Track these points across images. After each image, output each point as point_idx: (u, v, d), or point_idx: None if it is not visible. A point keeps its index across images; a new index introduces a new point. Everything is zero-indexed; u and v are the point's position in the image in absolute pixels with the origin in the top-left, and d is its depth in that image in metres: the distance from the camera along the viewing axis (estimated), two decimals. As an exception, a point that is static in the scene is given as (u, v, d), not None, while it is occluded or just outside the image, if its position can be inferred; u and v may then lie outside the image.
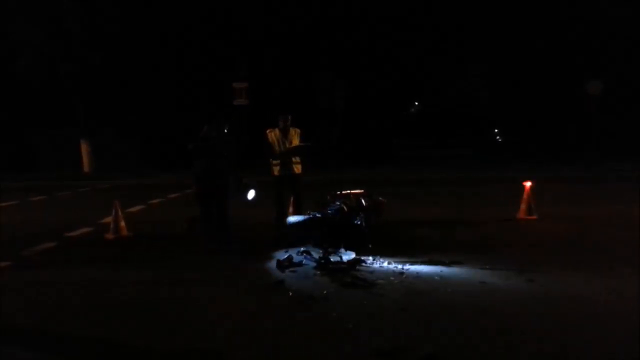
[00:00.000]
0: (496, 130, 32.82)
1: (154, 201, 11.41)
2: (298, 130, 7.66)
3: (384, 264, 5.53)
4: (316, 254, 5.78)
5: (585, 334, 3.64)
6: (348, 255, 5.79)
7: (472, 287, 4.69)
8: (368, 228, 6.43)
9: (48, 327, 4.09)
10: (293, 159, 7.53)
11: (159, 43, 22.40)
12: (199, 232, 6.60)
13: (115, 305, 4.52)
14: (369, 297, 4.50)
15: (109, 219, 7.70)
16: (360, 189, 7.12)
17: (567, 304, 4.26)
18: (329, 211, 6.49)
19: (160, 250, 6.63)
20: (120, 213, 7.47)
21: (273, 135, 7.57)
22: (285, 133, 7.55)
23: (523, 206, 8.22)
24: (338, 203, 6.63)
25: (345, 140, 25.53)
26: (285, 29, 24.83)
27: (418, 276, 5.08)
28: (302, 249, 5.98)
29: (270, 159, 7.60)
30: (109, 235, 7.38)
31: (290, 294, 4.67)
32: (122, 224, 7.47)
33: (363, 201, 6.74)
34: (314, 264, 5.54)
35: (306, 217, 6.54)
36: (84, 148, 21.16)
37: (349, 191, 7.05)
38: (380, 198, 7.02)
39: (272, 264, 5.66)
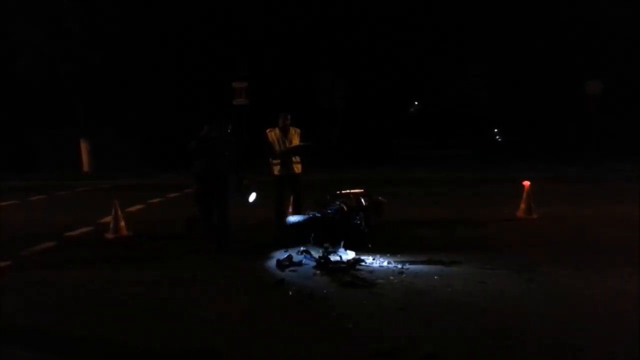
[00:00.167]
0: (496, 130, 32.82)
1: (154, 201, 11.41)
2: (298, 130, 7.65)
3: (384, 264, 5.53)
4: (316, 253, 5.78)
5: (586, 334, 3.64)
6: (348, 255, 5.79)
7: (472, 287, 4.69)
8: (368, 228, 6.43)
9: (48, 327, 4.09)
10: (293, 159, 7.53)
11: (159, 43, 22.40)
12: (198, 232, 6.60)
13: (115, 305, 4.52)
14: (369, 297, 4.50)
15: (108, 219, 7.70)
16: (360, 189, 7.12)
17: (567, 303, 4.26)
18: (329, 211, 6.49)
19: (160, 250, 6.63)
20: (120, 213, 7.47)
21: (273, 134, 7.57)
22: (285, 132, 7.55)
23: (523, 205, 8.22)
24: (338, 203, 6.64)
25: (345, 140, 25.53)
26: (285, 29, 24.84)
27: (418, 276, 5.08)
28: (302, 248, 5.98)
29: (270, 159, 7.60)
30: (109, 235, 7.38)
31: (290, 293, 4.67)
32: (122, 223, 7.47)
33: (363, 201, 6.75)
34: (313, 264, 5.54)
35: (306, 216, 6.55)
36: (84, 148, 21.16)
37: (348, 191, 7.05)
38: (380, 198, 7.02)
39: (272, 263, 5.67)
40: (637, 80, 22.22)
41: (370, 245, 6.17)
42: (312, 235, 6.20)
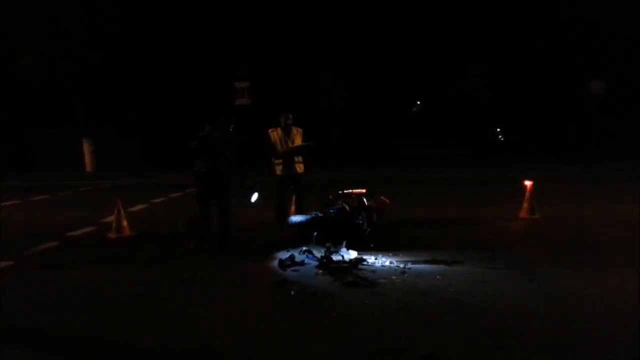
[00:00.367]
0: (498, 130, 32.80)
1: (156, 200, 11.41)
2: (300, 130, 7.66)
3: (386, 263, 5.52)
4: (318, 253, 5.78)
5: (586, 334, 3.64)
6: (350, 255, 5.79)
7: (473, 287, 4.69)
8: (370, 227, 6.43)
9: (48, 327, 4.09)
10: (295, 159, 7.55)
11: (159, 43, 22.39)
12: (199, 232, 6.58)
13: (116, 305, 4.52)
14: (371, 297, 4.50)
15: (111, 219, 7.70)
16: (362, 189, 7.13)
17: (568, 303, 4.26)
18: (331, 211, 6.49)
19: (162, 250, 6.62)
20: (122, 212, 7.47)
21: (275, 134, 7.57)
22: (287, 132, 7.56)
23: (525, 205, 8.21)
24: (340, 202, 6.64)
25: (345, 140, 25.53)
26: (285, 29, 24.83)
27: (420, 276, 5.08)
28: (304, 248, 5.98)
29: (273, 159, 7.61)
30: (112, 235, 7.38)
31: (292, 293, 4.67)
32: (125, 223, 7.47)
33: (365, 201, 6.75)
34: (316, 263, 5.54)
35: (308, 216, 6.55)
36: (86, 148, 21.15)
37: (351, 191, 7.05)
38: (382, 197, 7.02)
39: (274, 263, 5.66)
40: (637, 80, 22.21)
41: (372, 245, 6.17)
42: (315, 234, 6.20)
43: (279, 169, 7.58)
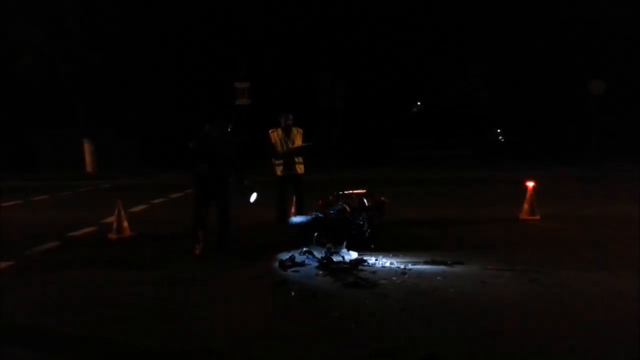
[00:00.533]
0: (499, 130, 32.79)
1: (157, 201, 11.41)
2: (301, 130, 7.66)
3: (386, 264, 5.52)
4: (319, 253, 5.78)
5: (586, 334, 3.64)
6: (350, 255, 5.79)
7: (474, 288, 4.68)
8: (370, 228, 6.43)
9: (48, 327, 4.09)
10: (296, 159, 7.55)
11: (159, 43, 22.38)
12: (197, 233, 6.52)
13: (116, 305, 4.51)
14: (371, 297, 4.49)
15: (111, 219, 7.70)
16: (363, 189, 7.12)
17: (569, 304, 4.25)
18: (332, 211, 6.49)
19: (162, 250, 6.62)
20: (122, 213, 7.46)
21: (276, 135, 7.57)
22: (287, 132, 7.56)
23: (526, 206, 8.20)
24: (340, 203, 6.64)
25: (345, 140, 25.53)
26: (285, 29, 24.82)
27: (420, 276, 5.07)
28: (304, 248, 5.98)
29: (273, 159, 7.61)
30: (112, 235, 7.38)
31: (293, 293, 4.66)
32: (125, 224, 7.46)
33: (365, 201, 6.75)
34: (316, 264, 5.53)
35: (309, 217, 6.55)
36: (87, 148, 21.15)
37: (351, 191, 7.05)
38: (382, 198, 7.02)
39: (275, 263, 5.65)
40: (637, 80, 22.21)
41: (372, 246, 6.17)
42: (315, 235, 6.20)
43: (279, 170, 7.59)
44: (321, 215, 6.43)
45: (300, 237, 6.32)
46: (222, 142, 6.31)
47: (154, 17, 21.41)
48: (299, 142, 7.60)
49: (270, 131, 7.64)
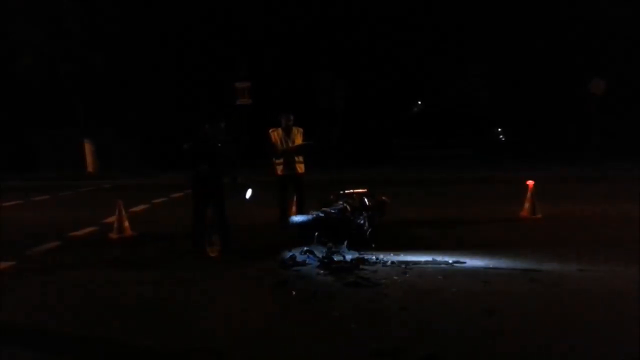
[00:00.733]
0: (499, 130, 32.77)
1: (157, 201, 11.40)
2: (301, 130, 7.66)
3: (388, 264, 5.51)
4: (319, 253, 5.78)
5: (587, 334, 3.63)
6: (351, 255, 5.79)
7: (475, 287, 4.68)
8: (371, 227, 6.42)
9: (48, 327, 4.08)
10: (296, 159, 7.55)
11: (159, 43, 22.38)
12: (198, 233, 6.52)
13: (116, 305, 4.51)
14: (372, 297, 4.49)
15: (112, 219, 7.69)
16: (363, 189, 7.12)
17: (569, 304, 4.25)
18: (332, 211, 6.49)
19: (163, 250, 6.62)
20: (123, 213, 7.46)
21: (276, 134, 7.58)
22: (288, 132, 7.56)
23: (527, 205, 8.19)
24: (341, 203, 6.64)
25: (345, 140, 25.53)
26: (285, 29, 24.82)
27: (421, 276, 5.07)
28: (305, 248, 5.98)
29: (274, 159, 7.61)
30: (113, 235, 7.38)
31: (294, 293, 4.66)
32: (126, 223, 7.46)
33: (366, 200, 6.75)
34: (317, 264, 5.54)
35: (309, 216, 6.54)
36: (88, 148, 21.14)
37: (352, 191, 7.05)
38: (383, 197, 7.02)
39: (275, 263, 5.65)
40: (637, 80, 22.21)
41: (373, 245, 6.17)
42: (316, 235, 6.20)
43: (279, 169, 7.59)
44: (322, 215, 6.43)
45: (301, 236, 6.32)
46: (221, 142, 6.31)
47: (154, 17, 21.41)
48: (299, 141, 7.60)
49: (270, 131, 7.64)
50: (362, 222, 6.35)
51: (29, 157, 23.53)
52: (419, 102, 32.32)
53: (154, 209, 10.53)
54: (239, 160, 6.57)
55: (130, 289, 4.96)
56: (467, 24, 26.48)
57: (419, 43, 26.57)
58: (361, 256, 5.74)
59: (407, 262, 5.53)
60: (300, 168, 7.62)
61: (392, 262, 5.55)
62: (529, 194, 8.20)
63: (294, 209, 7.84)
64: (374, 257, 5.73)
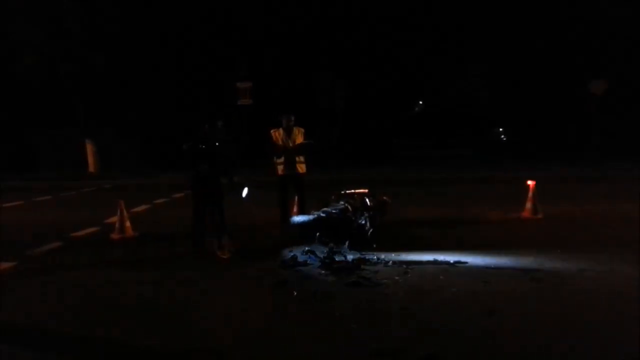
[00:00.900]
0: (500, 130, 32.76)
1: (159, 201, 11.40)
2: (302, 130, 7.67)
3: (389, 264, 5.51)
4: (320, 253, 5.78)
5: (587, 334, 3.64)
6: (352, 255, 5.79)
7: (476, 287, 4.68)
8: (372, 227, 6.42)
9: (48, 327, 4.09)
10: (297, 159, 7.55)
11: (159, 43, 22.38)
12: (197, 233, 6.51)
13: (116, 305, 4.51)
14: (373, 297, 4.49)
15: (114, 219, 7.69)
16: (364, 189, 7.12)
17: (569, 304, 4.25)
18: (333, 211, 6.48)
19: (163, 250, 6.61)
20: (125, 213, 7.45)
21: (277, 134, 7.59)
22: (289, 132, 7.57)
23: (528, 205, 8.18)
24: (342, 203, 6.63)
25: (345, 140, 25.55)
26: (285, 29, 24.82)
27: (422, 276, 5.07)
28: (306, 248, 5.99)
29: (275, 158, 7.62)
30: (115, 235, 7.37)
31: (295, 293, 4.66)
32: (128, 224, 7.45)
33: (367, 201, 6.74)
34: (318, 264, 5.54)
35: (311, 216, 6.54)
36: (89, 148, 21.13)
37: (353, 191, 7.05)
38: (384, 197, 7.02)
39: (277, 263, 5.65)
40: (637, 80, 22.21)
41: (374, 245, 6.16)
42: (317, 235, 6.20)
43: (280, 169, 7.59)
44: (323, 215, 6.43)
45: (302, 236, 6.31)
46: (220, 142, 6.31)
47: (154, 17, 21.40)
48: (300, 141, 7.61)
49: (271, 131, 7.65)
50: (363, 222, 6.35)
51: (29, 157, 23.53)
52: (420, 102, 32.33)
53: (155, 209, 10.53)
54: (238, 160, 6.55)
55: (130, 289, 4.96)
56: (467, 24, 26.49)
57: (419, 43, 26.58)
58: (362, 256, 5.74)
59: (408, 262, 5.53)
60: (301, 168, 7.62)
61: (393, 262, 5.55)
62: (530, 194, 8.20)
63: (295, 209, 7.84)
64: (375, 257, 5.73)
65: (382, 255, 5.81)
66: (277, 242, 6.64)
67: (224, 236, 6.13)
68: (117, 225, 7.43)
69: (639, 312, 3.96)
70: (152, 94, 22.32)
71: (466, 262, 5.50)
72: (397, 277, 5.03)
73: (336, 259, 5.59)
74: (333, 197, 7.00)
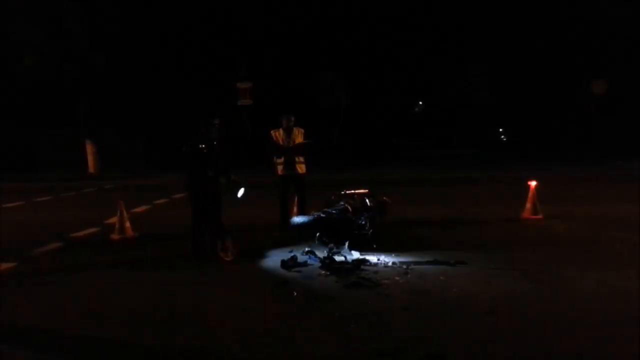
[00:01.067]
0: (501, 130, 32.79)
1: (159, 201, 11.40)
2: (302, 130, 7.66)
3: (389, 264, 5.51)
4: (321, 253, 5.78)
5: (588, 333, 3.64)
6: (352, 255, 5.79)
7: (477, 287, 4.68)
8: (372, 228, 6.42)
9: (49, 327, 4.09)
10: (297, 159, 7.54)
11: (159, 43, 22.39)
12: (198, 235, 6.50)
13: (116, 305, 4.51)
14: (373, 297, 4.49)
15: (114, 220, 7.68)
16: (364, 189, 7.12)
17: (570, 304, 4.25)
18: (333, 211, 6.48)
19: (164, 250, 6.61)
20: (125, 214, 7.44)
21: (277, 134, 7.59)
22: (289, 133, 7.56)
23: (528, 205, 8.18)
24: (342, 203, 6.63)
25: (346, 140, 25.57)
26: (285, 29, 24.85)
27: (422, 276, 5.07)
28: (306, 249, 5.98)
29: (275, 158, 7.62)
30: (115, 236, 7.37)
31: (295, 294, 4.66)
32: (128, 224, 7.45)
33: (367, 201, 6.74)
34: (318, 264, 5.53)
35: (311, 217, 6.54)
36: (90, 149, 21.14)
37: (353, 191, 7.04)
38: (384, 198, 7.01)
39: (277, 264, 5.65)
40: (637, 80, 22.22)
41: (374, 246, 6.16)
42: (317, 235, 6.19)
43: (280, 169, 7.59)
44: (323, 215, 6.42)
45: (302, 237, 6.31)
46: (220, 143, 6.29)
47: (154, 17, 21.42)
48: (300, 141, 7.61)
49: (272, 131, 7.65)
50: (363, 222, 6.35)
51: (29, 157, 23.54)
52: (420, 102, 32.35)
53: (155, 209, 10.53)
54: (233, 160, 6.52)
55: (130, 289, 4.95)
56: (467, 24, 26.52)
57: (419, 43, 26.61)
58: (362, 257, 5.73)
59: (408, 263, 5.53)
60: (301, 168, 7.62)
61: (394, 263, 5.55)
62: (530, 195, 8.19)
63: (295, 209, 7.83)
64: (375, 258, 5.73)
65: (382, 256, 5.81)
66: (277, 242, 6.63)
67: (227, 237, 6.12)
68: (117, 225, 7.42)
69: (639, 312, 3.96)
70: (153, 94, 22.33)
71: (466, 263, 5.49)
72: (397, 278, 5.02)
73: (336, 260, 5.59)
74: (333, 197, 6.99)
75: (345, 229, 6.21)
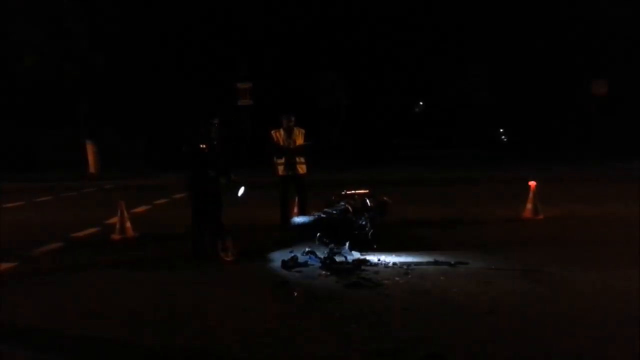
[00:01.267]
0: (501, 130, 32.79)
1: (160, 201, 11.40)
2: (302, 130, 7.67)
3: (389, 264, 5.51)
4: (321, 254, 5.78)
5: (588, 333, 3.64)
6: (353, 256, 5.79)
7: (477, 288, 4.68)
8: (373, 228, 6.42)
9: (48, 327, 4.09)
10: (297, 159, 7.55)
11: (159, 43, 22.39)
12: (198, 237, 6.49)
13: (117, 305, 4.51)
14: (374, 297, 4.49)
15: (114, 220, 7.69)
16: (365, 189, 7.12)
17: (570, 304, 4.25)
18: (334, 211, 6.48)
19: (164, 250, 6.62)
20: (125, 214, 7.45)
21: (278, 134, 7.59)
22: (289, 133, 7.57)
23: (529, 206, 8.17)
24: (343, 203, 6.63)
25: (346, 140, 25.58)
26: (285, 29, 24.85)
27: (423, 276, 5.07)
28: (307, 249, 5.98)
29: (275, 159, 7.62)
30: (115, 236, 7.37)
31: (295, 294, 4.66)
32: (128, 224, 7.45)
33: (368, 201, 6.74)
34: (319, 264, 5.54)
35: (311, 217, 6.53)
36: (90, 148, 21.14)
37: (353, 191, 7.05)
38: (385, 198, 7.01)
39: (277, 264, 5.65)
40: (637, 80, 22.22)
41: (375, 246, 6.16)
42: (317, 235, 6.20)
43: (280, 169, 7.59)
44: (323, 216, 6.42)
45: (303, 237, 6.31)
46: (220, 143, 6.30)
47: (154, 17, 21.42)
48: (300, 142, 7.61)
49: (272, 132, 7.66)
50: (363, 222, 6.34)
51: (30, 157, 23.54)
52: (420, 102, 32.36)
53: (156, 209, 10.53)
54: (233, 160, 6.51)
55: (130, 289, 4.96)
56: (467, 24, 26.51)
57: (419, 43, 26.60)
58: (363, 257, 5.74)
59: (408, 263, 5.53)
60: (302, 169, 7.62)
61: (394, 263, 5.55)
62: (531, 195, 8.19)
63: (295, 209, 7.83)
64: (375, 258, 5.73)
65: (383, 256, 5.81)
66: (277, 242, 6.63)
67: (227, 237, 6.12)
68: (117, 225, 7.43)
69: (639, 312, 3.96)
70: (153, 94, 22.33)
71: (467, 263, 5.49)
72: (397, 278, 5.03)
73: (337, 260, 5.59)
74: (333, 197, 6.98)
75: (346, 229, 6.21)
